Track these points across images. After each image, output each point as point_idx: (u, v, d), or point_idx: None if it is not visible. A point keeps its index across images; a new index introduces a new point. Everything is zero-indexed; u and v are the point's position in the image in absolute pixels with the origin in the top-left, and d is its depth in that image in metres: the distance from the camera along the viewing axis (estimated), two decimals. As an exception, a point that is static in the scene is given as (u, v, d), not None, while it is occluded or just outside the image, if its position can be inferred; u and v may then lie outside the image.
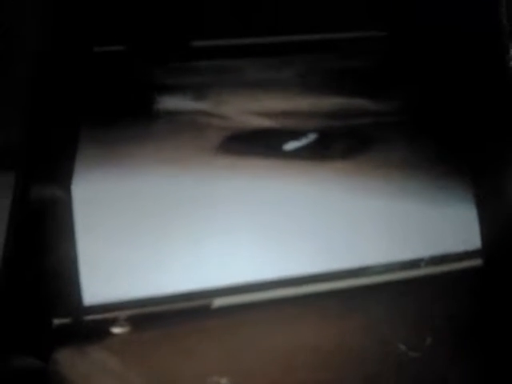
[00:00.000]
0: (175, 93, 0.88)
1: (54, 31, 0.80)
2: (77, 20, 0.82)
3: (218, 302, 0.82)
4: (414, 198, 0.88)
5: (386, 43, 0.92)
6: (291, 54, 0.91)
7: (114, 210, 0.81)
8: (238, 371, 0.77)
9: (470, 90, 0.89)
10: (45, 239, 0.78)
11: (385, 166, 0.89)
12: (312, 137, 0.90)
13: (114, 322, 0.79)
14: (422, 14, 0.90)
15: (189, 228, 0.83)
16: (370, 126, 0.92)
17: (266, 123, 0.90)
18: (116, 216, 0.81)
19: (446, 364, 0.80)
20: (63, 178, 0.79)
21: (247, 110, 0.90)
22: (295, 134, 0.90)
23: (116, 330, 0.79)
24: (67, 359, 0.76)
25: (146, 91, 0.87)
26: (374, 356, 0.80)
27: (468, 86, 0.89)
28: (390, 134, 0.91)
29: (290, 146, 0.89)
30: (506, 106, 0.87)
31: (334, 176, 0.88)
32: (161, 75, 0.88)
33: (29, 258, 0.78)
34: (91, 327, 0.79)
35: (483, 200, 0.87)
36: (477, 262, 0.87)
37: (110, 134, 0.84)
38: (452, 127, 0.90)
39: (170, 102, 0.87)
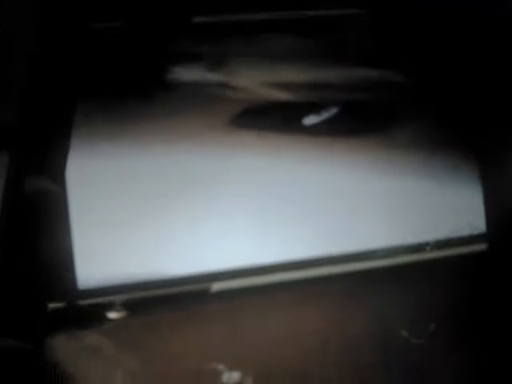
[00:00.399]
0: (189, 63, 0.85)
1: (51, 8, 0.79)
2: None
3: (217, 287, 0.81)
4: (420, 182, 0.87)
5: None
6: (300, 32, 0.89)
7: (111, 192, 0.80)
8: (236, 357, 0.77)
9: (479, 74, 0.88)
10: (39, 223, 0.77)
11: (396, 146, 0.88)
12: (333, 111, 0.87)
13: (109, 306, 0.78)
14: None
15: (188, 210, 0.81)
16: (388, 102, 0.89)
17: (284, 96, 0.87)
18: (113, 197, 0.80)
19: (449, 351, 0.79)
20: (58, 161, 0.78)
21: (265, 81, 0.87)
22: (316, 108, 0.87)
23: (111, 314, 0.78)
24: (62, 343, 0.75)
25: (159, 61, 0.84)
26: (376, 342, 0.79)
27: (477, 70, 0.88)
28: (404, 112, 0.89)
29: (310, 120, 0.87)
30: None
31: (347, 154, 0.86)
32: (174, 45, 0.85)
33: (23, 243, 0.77)
34: (86, 311, 0.78)
35: (489, 185, 0.86)
36: (482, 247, 0.86)
37: (116, 107, 0.82)
38: (460, 110, 0.89)
39: (184, 73, 0.85)
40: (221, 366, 0.76)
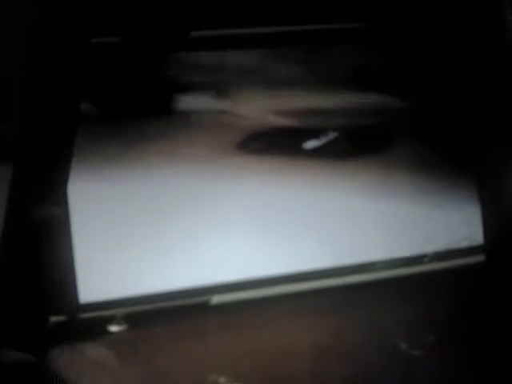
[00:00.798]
0: (194, 91, 0.87)
1: (54, 23, 0.79)
2: (77, 10, 0.81)
3: (217, 300, 0.81)
4: (419, 196, 0.88)
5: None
6: (296, 45, 0.89)
7: (113, 207, 0.80)
8: (237, 369, 0.76)
9: (475, 89, 0.88)
10: (41, 238, 0.77)
11: (394, 166, 0.89)
12: (332, 135, 0.89)
13: (110, 319, 0.78)
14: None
15: (188, 227, 0.82)
16: (386, 125, 0.91)
17: (285, 122, 0.89)
18: (114, 213, 0.80)
19: (449, 362, 0.79)
20: (60, 176, 0.78)
21: (267, 108, 0.89)
22: (315, 133, 0.89)
23: (113, 327, 0.78)
24: (63, 357, 0.75)
25: (164, 89, 0.85)
26: (376, 354, 0.79)
27: (474, 92, 0.89)
28: (402, 133, 0.91)
29: (310, 144, 0.89)
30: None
31: (346, 176, 0.88)
32: (178, 73, 0.86)
33: (25, 257, 0.77)
34: (88, 325, 0.78)
35: (487, 197, 0.87)
36: (480, 258, 0.86)
37: (124, 131, 0.83)
38: (458, 129, 0.90)
39: (188, 101, 0.86)
40: (222, 379, 0.76)
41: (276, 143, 0.88)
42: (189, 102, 0.86)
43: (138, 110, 0.83)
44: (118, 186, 0.81)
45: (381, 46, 0.90)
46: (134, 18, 0.82)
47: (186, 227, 0.82)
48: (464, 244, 0.87)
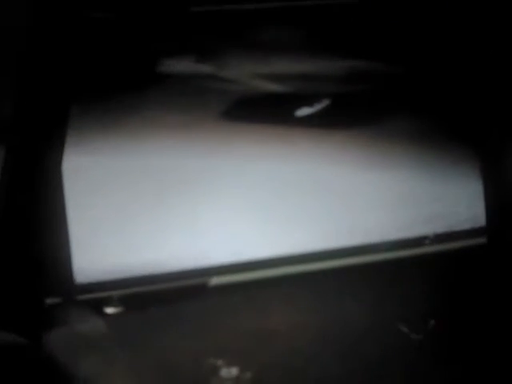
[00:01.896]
0: (179, 55, 0.84)
1: (46, 5, 0.78)
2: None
3: (215, 281, 0.81)
4: (419, 174, 0.87)
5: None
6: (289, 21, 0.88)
7: (108, 185, 0.79)
8: (234, 352, 0.76)
9: (478, 65, 0.87)
10: (36, 219, 0.76)
11: (391, 139, 0.87)
12: (326, 102, 0.87)
13: (106, 301, 0.78)
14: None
15: (186, 203, 0.81)
16: (382, 93, 0.89)
17: (276, 87, 0.86)
18: (110, 192, 0.79)
19: (449, 346, 0.78)
20: (54, 154, 0.77)
21: (256, 73, 0.86)
22: (308, 100, 0.86)
23: (109, 309, 0.78)
24: (59, 338, 0.75)
25: (148, 54, 0.83)
26: (375, 337, 0.79)
27: (476, 61, 0.87)
28: (401, 103, 0.89)
29: (303, 111, 0.86)
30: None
31: (341, 147, 0.86)
32: (163, 37, 0.84)
33: (20, 238, 0.76)
34: (84, 307, 0.77)
35: (489, 178, 0.86)
36: (481, 240, 0.86)
37: (109, 102, 0.81)
38: (459, 103, 0.89)
39: (174, 65, 0.84)
40: (219, 362, 0.76)
41: (266, 110, 0.85)
42: (175, 65, 0.84)
43: (124, 75, 0.82)
44: (112, 163, 0.80)
45: (375, 14, 0.89)
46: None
47: (182, 208, 0.81)
48: (466, 226, 0.87)
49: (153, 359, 0.75)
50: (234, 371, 0.75)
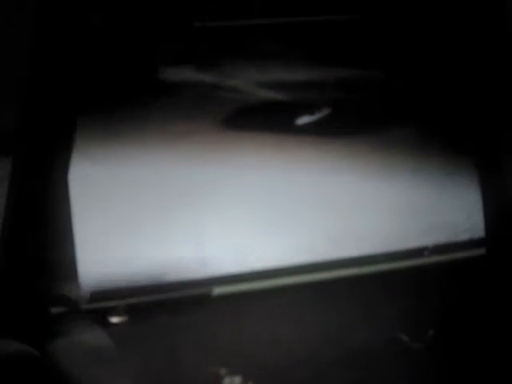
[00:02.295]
0: (181, 63, 0.85)
1: (49, 11, 0.79)
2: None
3: (219, 291, 0.81)
4: (418, 185, 0.87)
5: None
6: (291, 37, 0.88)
7: (114, 196, 0.80)
8: (237, 361, 0.76)
9: (478, 76, 0.88)
10: (42, 229, 0.77)
11: (393, 148, 0.87)
12: (326, 111, 0.87)
13: (111, 310, 0.78)
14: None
15: (189, 213, 0.81)
16: (382, 102, 0.89)
17: (276, 96, 0.87)
18: (115, 202, 0.80)
19: (449, 355, 0.79)
20: (61, 165, 0.78)
21: (257, 81, 0.87)
22: (308, 108, 0.87)
23: (114, 319, 0.78)
24: (64, 348, 0.75)
25: (150, 63, 0.84)
26: (375, 347, 0.79)
27: (476, 72, 0.88)
28: (400, 113, 0.89)
29: (303, 120, 0.86)
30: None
31: (341, 155, 0.86)
32: (166, 45, 0.85)
33: (26, 247, 0.77)
34: (89, 316, 0.78)
35: (488, 189, 0.86)
36: (480, 251, 0.86)
37: (113, 113, 0.82)
38: (458, 114, 0.89)
39: (175, 73, 0.84)
40: (222, 371, 0.76)
41: (267, 118, 0.85)
42: (177, 73, 0.84)
43: (126, 84, 0.82)
44: (117, 174, 0.80)
45: (376, 26, 0.89)
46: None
47: (186, 217, 0.81)
48: (465, 237, 0.87)
49: (157, 368, 0.76)
50: (236, 380, 0.76)
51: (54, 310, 0.77)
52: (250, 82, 0.87)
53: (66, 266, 0.77)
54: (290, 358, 0.77)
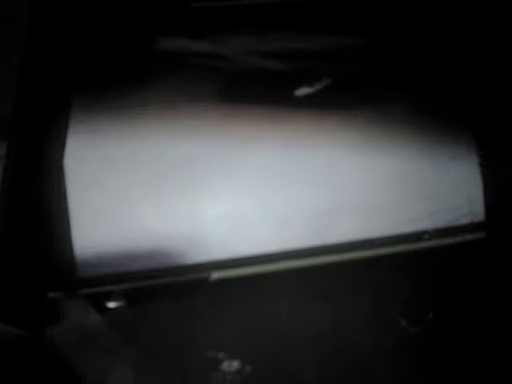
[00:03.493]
0: (174, 33, 0.82)
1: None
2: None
3: (217, 276, 0.81)
4: (418, 169, 0.87)
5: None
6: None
7: (110, 180, 0.79)
8: (236, 345, 0.77)
9: (480, 57, 0.87)
10: (38, 213, 0.76)
11: (391, 123, 0.86)
12: (326, 82, 0.84)
13: (108, 295, 0.78)
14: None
15: (187, 199, 0.81)
16: (382, 73, 0.87)
17: (273, 65, 0.84)
18: (111, 186, 0.79)
19: (448, 339, 0.79)
20: (56, 148, 0.77)
21: (252, 50, 0.84)
22: (308, 79, 0.84)
23: (111, 304, 0.78)
24: (61, 333, 0.75)
25: (143, 33, 0.81)
26: (374, 331, 0.79)
27: (478, 54, 0.87)
28: (401, 89, 0.87)
29: (302, 91, 0.83)
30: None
31: (342, 131, 0.84)
32: (158, 14, 0.82)
33: (22, 233, 0.76)
34: (86, 301, 0.77)
35: (488, 173, 0.86)
36: (480, 235, 0.86)
37: (108, 89, 0.80)
38: (460, 97, 0.89)
39: (169, 43, 0.82)
40: (221, 355, 0.76)
41: (265, 90, 0.83)
42: (169, 43, 0.82)
43: (120, 56, 0.80)
44: (114, 154, 0.79)
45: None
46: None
47: (185, 200, 0.80)
48: (465, 221, 0.87)
49: (154, 353, 0.76)
50: (235, 364, 0.76)
51: (51, 294, 0.77)
52: (246, 50, 0.84)
53: (63, 250, 0.77)
54: (288, 343, 0.77)
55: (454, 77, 0.88)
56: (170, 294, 0.79)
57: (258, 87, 0.83)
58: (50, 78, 0.77)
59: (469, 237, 0.86)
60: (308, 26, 0.85)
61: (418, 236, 0.86)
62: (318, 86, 0.84)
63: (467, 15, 0.87)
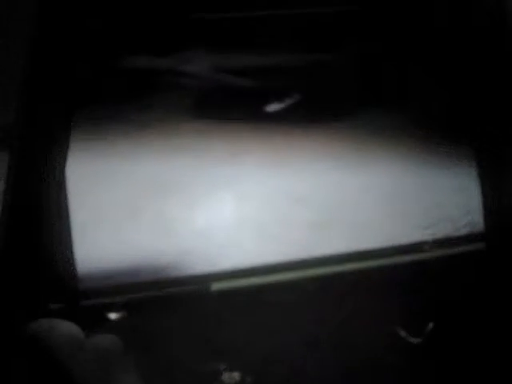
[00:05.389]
0: (137, 50, 0.81)
1: (45, 12, 0.78)
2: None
3: (217, 287, 0.81)
4: (418, 180, 0.87)
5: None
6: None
7: (111, 193, 0.80)
8: (236, 356, 0.77)
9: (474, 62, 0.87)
10: (40, 224, 0.77)
11: (381, 133, 0.86)
12: (297, 97, 0.84)
13: (110, 306, 0.78)
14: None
15: (186, 208, 0.81)
16: (356, 86, 0.86)
17: (241, 82, 0.83)
18: (113, 199, 0.80)
19: (447, 350, 0.79)
20: (58, 160, 0.78)
21: (220, 66, 0.83)
22: (277, 95, 0.84)
23: (112, 315, 0.78)
24: (63, 344, 0.75)
25: (106, 49, 0.80)
26: (375, 341, 0.79)
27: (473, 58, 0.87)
28: (379, 97, 0.87)
29: (273, 107, 0.83)
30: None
31: (323, 144, 0.83)
32: (122, 31, 0.80)
33: (24, 243, 0.77)
34: (87, 312, 0.78)
35: (488, 183, 0.86)
36: (480, 246, 0.86)
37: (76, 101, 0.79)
38: (459, 107, 0.89)
39: (131, 61, 0.81)
40: (221, 366, 0.76)
41: (235, 106, 0.82)
42: (131, 61, 0.81)
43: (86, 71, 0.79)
44: (113, 169, 0.79)
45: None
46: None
47: (179, 212, 0.81)
48: (464, 231, 0.87)
49: (155, 364, 0.76)
50: (235, 376, 0.76)
51: (53, 306, 0.77)
52: (211, 67, 0.83)
53: (64, 261, 0.77)
54: (288, 354, 0.77)
55: (452, 86, 0.89)
56: (171, 305, 0.79)
57: (228, 104, 0.83)
58: (51, 91, 0.77)
59: (469, 247, 0.86)
60: (277, 42, 0.85)
61: (417, 247, 0.86)
62: (288, 102, 0.83)
63: (451, 23, 0.87)
